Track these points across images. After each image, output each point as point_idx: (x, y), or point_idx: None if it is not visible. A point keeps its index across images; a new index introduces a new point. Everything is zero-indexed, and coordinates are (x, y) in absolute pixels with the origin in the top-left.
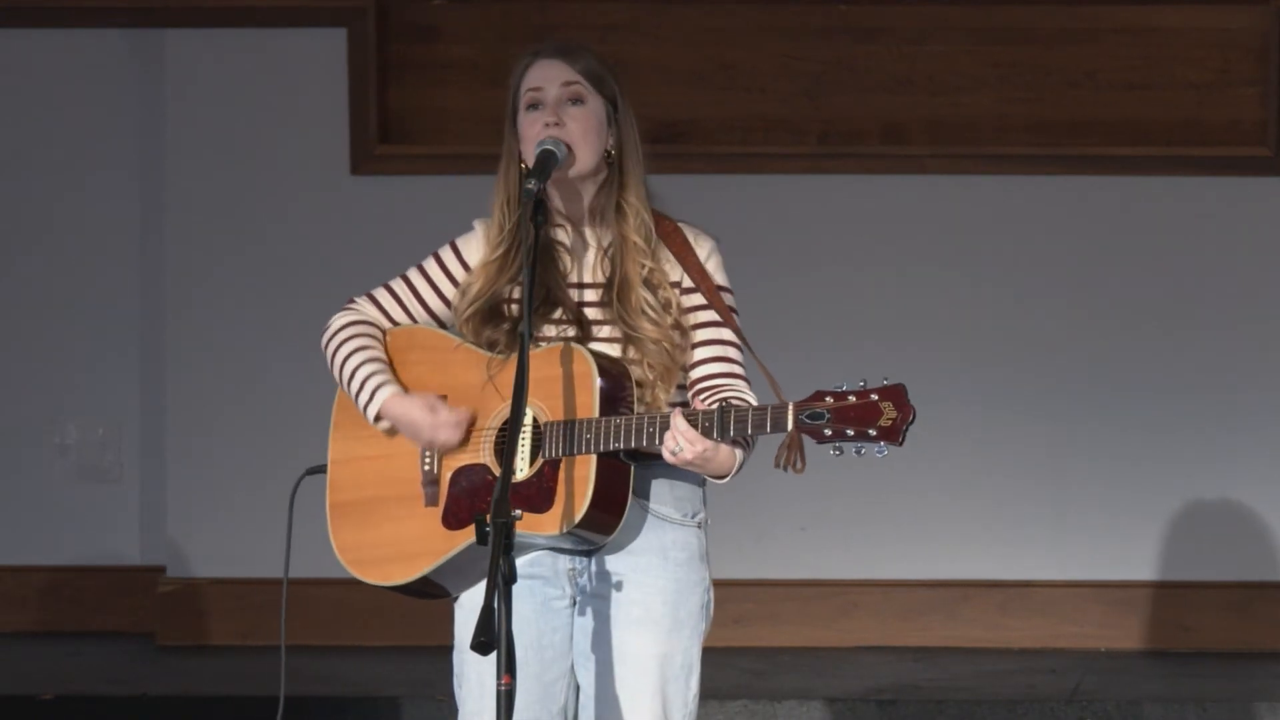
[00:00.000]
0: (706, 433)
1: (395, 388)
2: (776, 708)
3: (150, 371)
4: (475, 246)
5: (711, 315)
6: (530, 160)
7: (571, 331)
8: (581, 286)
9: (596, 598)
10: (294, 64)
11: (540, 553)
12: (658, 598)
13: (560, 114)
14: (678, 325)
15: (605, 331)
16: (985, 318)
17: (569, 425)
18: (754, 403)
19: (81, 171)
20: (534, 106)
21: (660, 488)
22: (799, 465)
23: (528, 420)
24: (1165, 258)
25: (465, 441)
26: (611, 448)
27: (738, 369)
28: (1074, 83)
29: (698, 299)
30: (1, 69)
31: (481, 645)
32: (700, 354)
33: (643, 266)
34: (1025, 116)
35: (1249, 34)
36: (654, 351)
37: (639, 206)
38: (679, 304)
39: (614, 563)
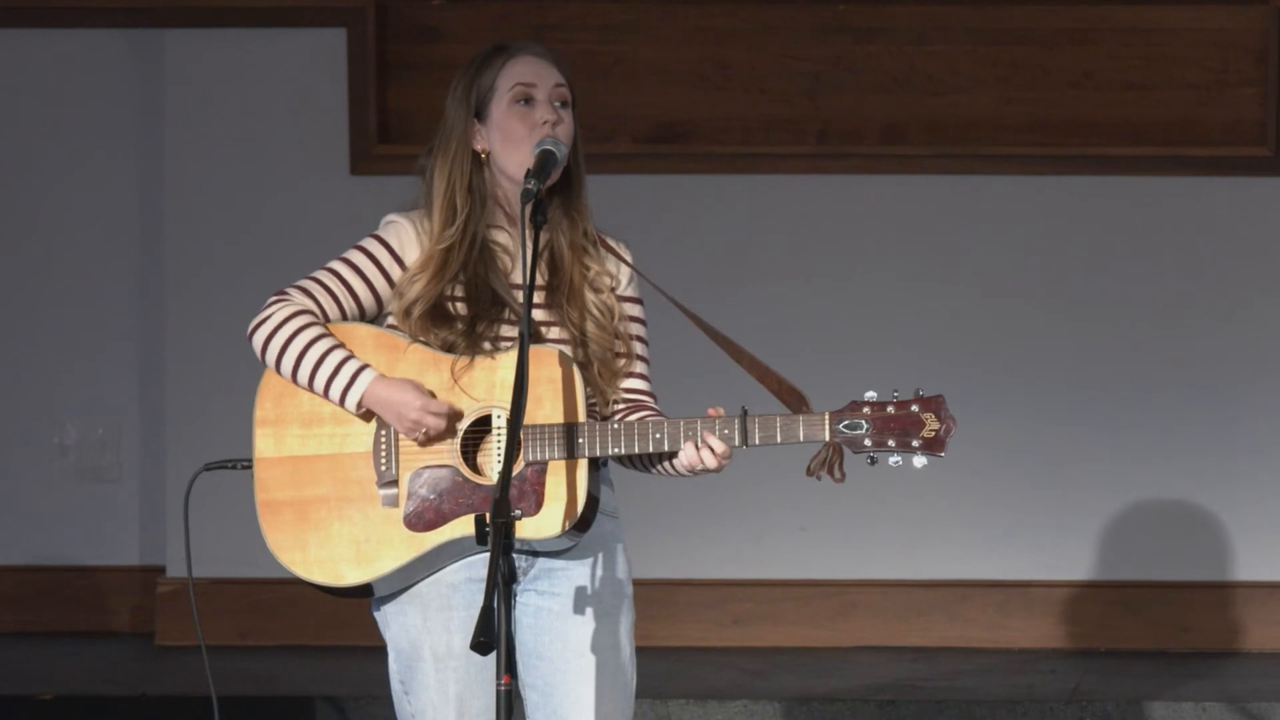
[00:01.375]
0: (727, 440)
1: (375, 371)
2: (776, 708)
3: (150, 371)
4: (409, 241)
5: (643, 330)
6: (508, 156)
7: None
8: (523, 288)
9: (546, 595)
10: (294, 64)
11: (484, 555)
12: (606, 589)
13: (558, 114)
14: (616, 332)
15: (554, 333)
16: (985, 317)
17: (561, 429)
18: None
19: (81, 171)
20: (523, 101)
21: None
22: (838, 475)
23: (500, 423)
24: (1165, 258)
25: (427, 442)
26: (611, 453)
27: (650, 385)
28: (1074, 83)
29: (633, 309)
30: (1, 69)
31: (481, 645)
32: (639, 367)
33: (588, 269)
34: (1025, 116)
35: (1249, 34)
36: (599, 353)
37: (585, 211)
38: (620, 311)
39: (559, 560)
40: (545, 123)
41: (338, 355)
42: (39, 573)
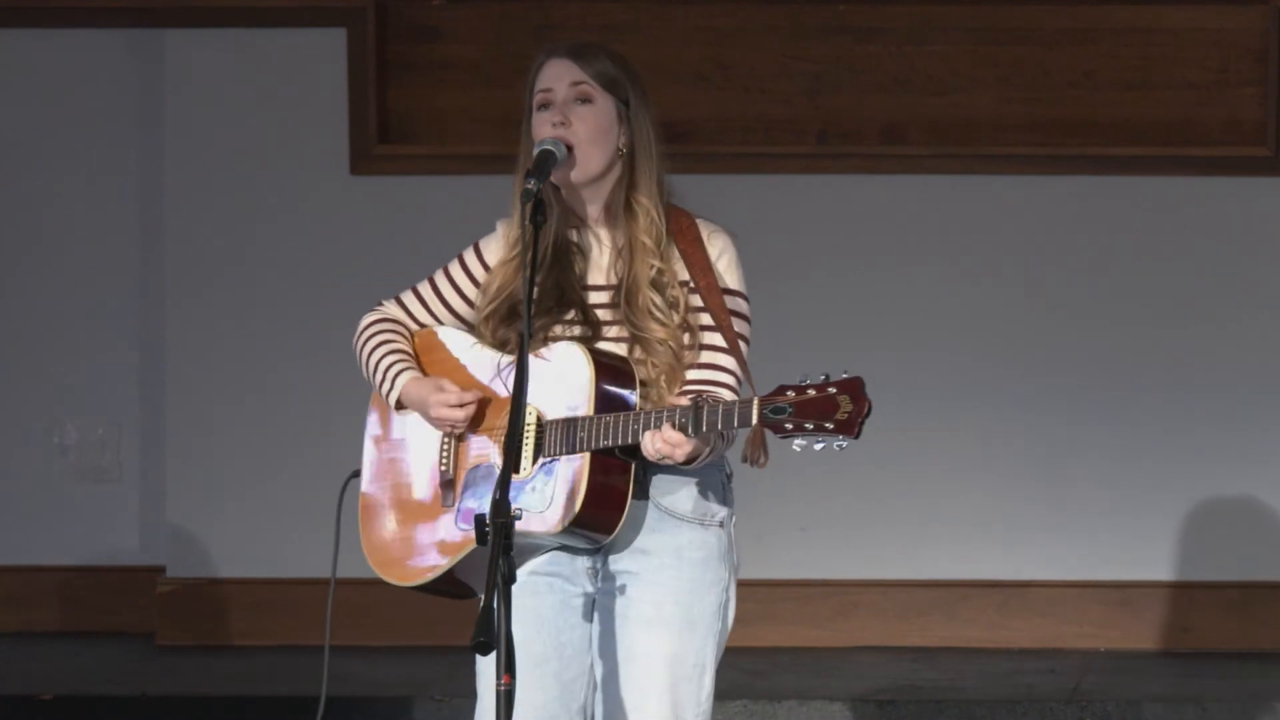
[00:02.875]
0: (682, 429)
1: (415, 372)
2: (776, 708)
3: (150, 371)
4: (495, 246)
5: (708, 320)
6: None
7: (577, 331)
8: (596, 289)
9: (610, 596)
10: (294, 64)
11: (558, 551)
12: (670, 597)
13: (567, 114)
14: (685, 325)
15: (613, 332)
16: (985, 317)
17: (567, 424)
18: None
19: (81, 172)
20: (544, 107)
21: (676, 486)
22: (761, 460)
23: (532, 419)
24: (1165, 258)
25: (479, 440)
26: (602, 445)
27: (724, 377)
28: (1074, 83)
29: (701, 301)
30: (1, 69)
31: (480, 645)
32: (707, 356)
33: (651, 267)
34: (1025, 116)
35: (1249, 34)
36: (660, 351)
37: (649, 206)
38: (687, 303)
39: (628, 562)
40: (552, 125)
41: (388, 359)
42: (39, 573)
